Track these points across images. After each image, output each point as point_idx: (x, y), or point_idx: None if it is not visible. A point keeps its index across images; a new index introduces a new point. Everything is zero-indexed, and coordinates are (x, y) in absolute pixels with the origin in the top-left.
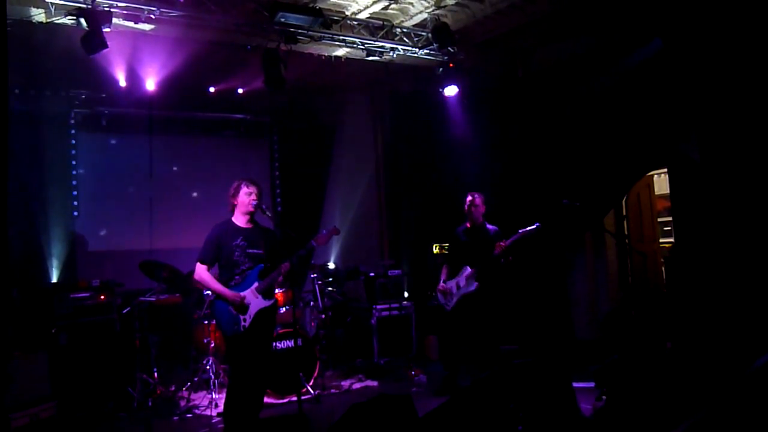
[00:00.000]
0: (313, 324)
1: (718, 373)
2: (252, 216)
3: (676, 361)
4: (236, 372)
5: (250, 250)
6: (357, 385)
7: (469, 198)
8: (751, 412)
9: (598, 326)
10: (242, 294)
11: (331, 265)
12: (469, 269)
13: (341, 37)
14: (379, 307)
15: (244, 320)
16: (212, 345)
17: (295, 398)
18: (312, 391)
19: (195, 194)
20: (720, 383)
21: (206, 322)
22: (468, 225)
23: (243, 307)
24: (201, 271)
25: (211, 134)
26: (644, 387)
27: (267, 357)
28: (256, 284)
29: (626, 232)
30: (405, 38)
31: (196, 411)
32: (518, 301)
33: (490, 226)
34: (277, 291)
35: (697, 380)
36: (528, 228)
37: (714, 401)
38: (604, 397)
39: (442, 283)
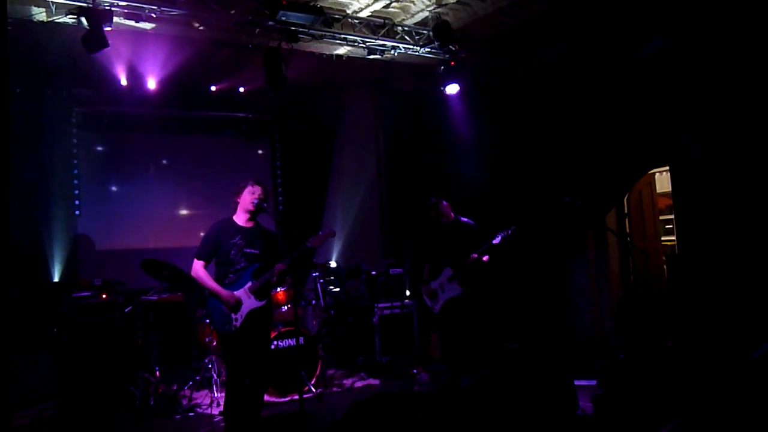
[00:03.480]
0: (314, 322)
1: (718, 369)
2: (253, 215)
3: (677, 358)
4: (232, 370)
5: (247, 250)
6: (359, 384)
7: (429, 205)
8: (746, 402)
9: (600, 324)
10: (236, 293)
11: (333, 264)
12: (450, 271)
13: (342, 36)
14: (380, 305)
15: (236, 320)
16: (214, 344)
17: (297, 397)
18: (314, 390)
19: (196, 193)
20: (717, 377)
21: (208, 320)
22: (443, 223)
23: (236, 306)
24: (197, 268)
25: (213, 133)
26: (644, 383)
27: (263, 356)
28: (249, 284)
29: (628, 231)
30: (406, 36)
31: (198, 410)
32: (518, 299)
33: (465, 220)
34: (278, 290)
35: (697, 377)
36: (505, 231)
37: (709, 394)
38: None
39: (425, 285)
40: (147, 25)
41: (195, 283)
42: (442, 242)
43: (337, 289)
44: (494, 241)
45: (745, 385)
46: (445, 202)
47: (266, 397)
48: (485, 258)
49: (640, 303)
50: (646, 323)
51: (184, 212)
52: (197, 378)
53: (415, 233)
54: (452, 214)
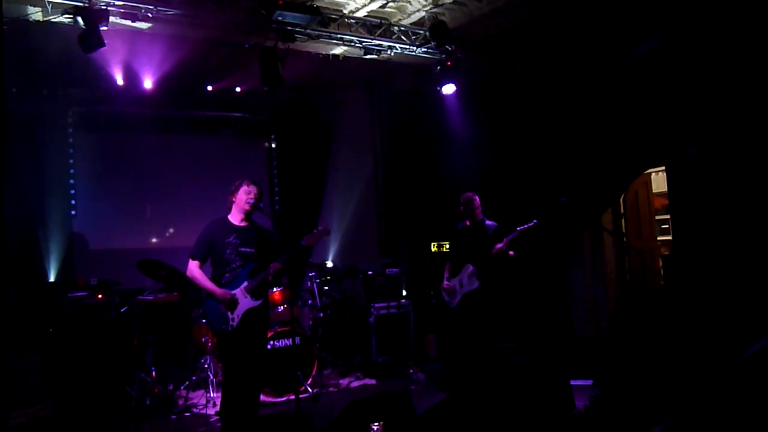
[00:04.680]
0: (311, 322)
1: (711, 367)
2: (248, 215)
3: (672, 357)
4: (229, 370)
5: (242, 249)
6: (355, 384)
7: (464, 198)
8: (739, 400)
9: (596, 324)
10: (232, 293)
11: (329, 264)
12: (471, 267)
13: (339, 36)
14: (377, 305)
15: (232, 320)
16: (210, 344)
17: (293, 397)
18: (310, 390)
19: (193, 193)
20: (711, 376)
21: (204, 320)
22: (467, 222)
23: (232, 303)
24: (193, 268)
25: (209, 132)
26: (640, 382)
27: (260, 356)
28: (245, 284)
29: (624, 230)
30: (403, 36)
31: (194, 410)
32: (517, 299)
33: (489, 222)
34: (275, 290)
35: (691, 376)
36: (526, 225)
37: (701, 392)
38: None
39: (446, 282)
40: (143, 25)
41: (191, 283)
42: (467, 240)
43: (334, 289)
44: (519, 228)
45: (737, 384)
46: (477, 199)
47: (262, 397)
48: (511, 252)
49: (636, 303)
50: (642, 323)
51: (180, 212)
52: (193, 378)
53: (415, 231)
54: (481, 215)
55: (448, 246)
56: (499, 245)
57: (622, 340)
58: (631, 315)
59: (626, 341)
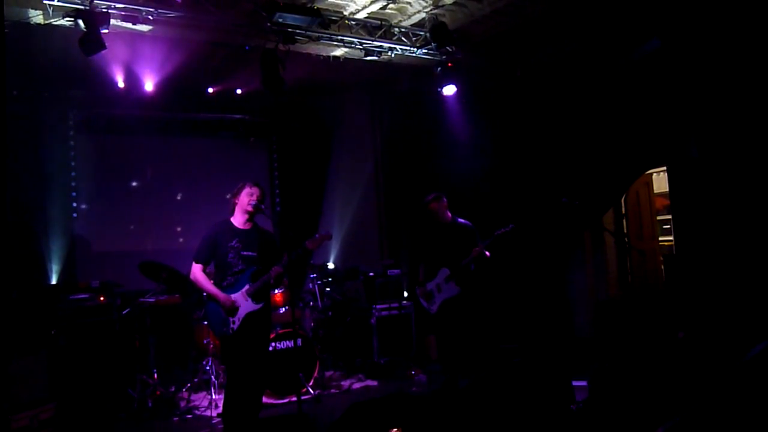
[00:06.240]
0: (312, 324)
1: (715, 368)
2: (251, 217)
3: (688, 351)
4: (231, 373)
5: (245, 252)
6: (357, 385)
7: (423, 203)
8: (743, 401)
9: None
10: (233, 296)
11: (331, 265)
12: (446, 271)
13: (339, 37)
14: (378, 306)
15: (233, 322)
16: (212, 345)
17: (295, 398)
18: (312, 391)
19: (194, 195)
20: (715, 376)
21: (206, 322)
22: (440, 222)
23: (233, 309)
24: (196, 271)
25: (210, 135)
26: (637, 382)
27: (262, 359)
28: (246, 287)
29: (625, 231)
30: (403, 38)
31: (196, 412)
32: (516, 299)
33: (462, 221)
34: (276, 291)
35: (693, 376)
36: (503, 229)
37: (706, 393)
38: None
39: (420, 287)
40: (144, 27)
41: (193, 285)
42: (439, 242)
43: (335, 291)
44: (496, 233)
45: (742, 384)
46: (444, 199)
47: (264, 399)
48: (488, 253)
49: (617, 304)
50: (627, 324)
51: (181, 214)
52: (195, 380)
53: (412, 233)
54: (449, 214)
55: (420, 245)
56: (476, 250)
57: (609, 342)
58: (615, 316)
59: (613, 342)
